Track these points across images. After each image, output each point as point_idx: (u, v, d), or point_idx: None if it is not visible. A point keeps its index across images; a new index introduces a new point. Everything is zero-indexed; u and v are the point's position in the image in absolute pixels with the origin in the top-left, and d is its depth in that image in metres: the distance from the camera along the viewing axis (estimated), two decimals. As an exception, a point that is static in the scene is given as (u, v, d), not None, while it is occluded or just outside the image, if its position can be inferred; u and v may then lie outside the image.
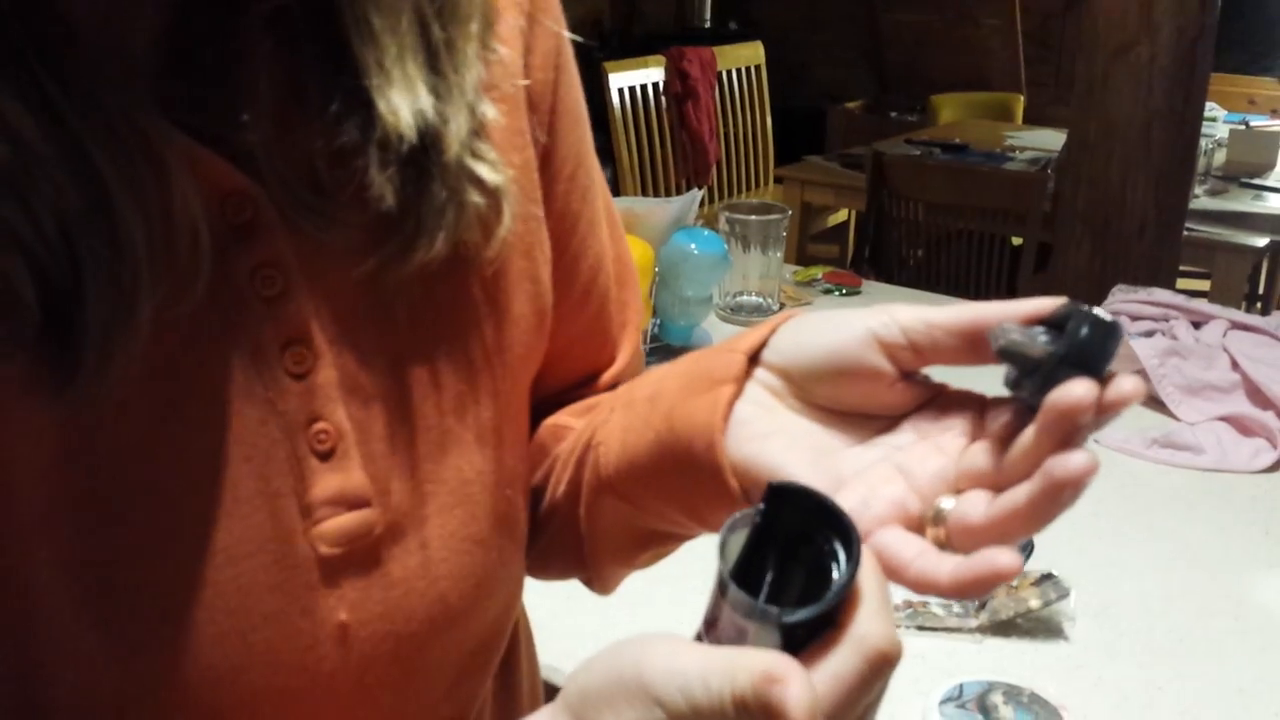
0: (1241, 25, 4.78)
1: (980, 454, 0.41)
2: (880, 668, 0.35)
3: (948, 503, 0.40)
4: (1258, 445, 1.28)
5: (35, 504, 0.41)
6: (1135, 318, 1.53)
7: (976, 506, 0.39)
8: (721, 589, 0.35)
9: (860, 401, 0.44)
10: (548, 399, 0.61)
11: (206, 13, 0.44)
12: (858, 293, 1.73)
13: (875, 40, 5.51)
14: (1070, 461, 0.36)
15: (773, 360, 0.46)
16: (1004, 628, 0.95)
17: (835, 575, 0.35)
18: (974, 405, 0.43)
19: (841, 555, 0.35)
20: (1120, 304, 1.56)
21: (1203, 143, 3.05)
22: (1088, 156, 2.37)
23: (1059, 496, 0.37)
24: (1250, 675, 0.92)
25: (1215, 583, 1.05)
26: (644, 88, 3.72)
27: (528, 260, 0.54)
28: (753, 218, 1.55)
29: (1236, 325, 1.49)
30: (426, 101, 0.46)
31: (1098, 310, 0.38)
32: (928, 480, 0.41)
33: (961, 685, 0.87)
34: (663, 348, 1.44)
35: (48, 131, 0.38)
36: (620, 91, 3.62)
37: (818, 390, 0.44)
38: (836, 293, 1.72)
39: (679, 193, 3.85)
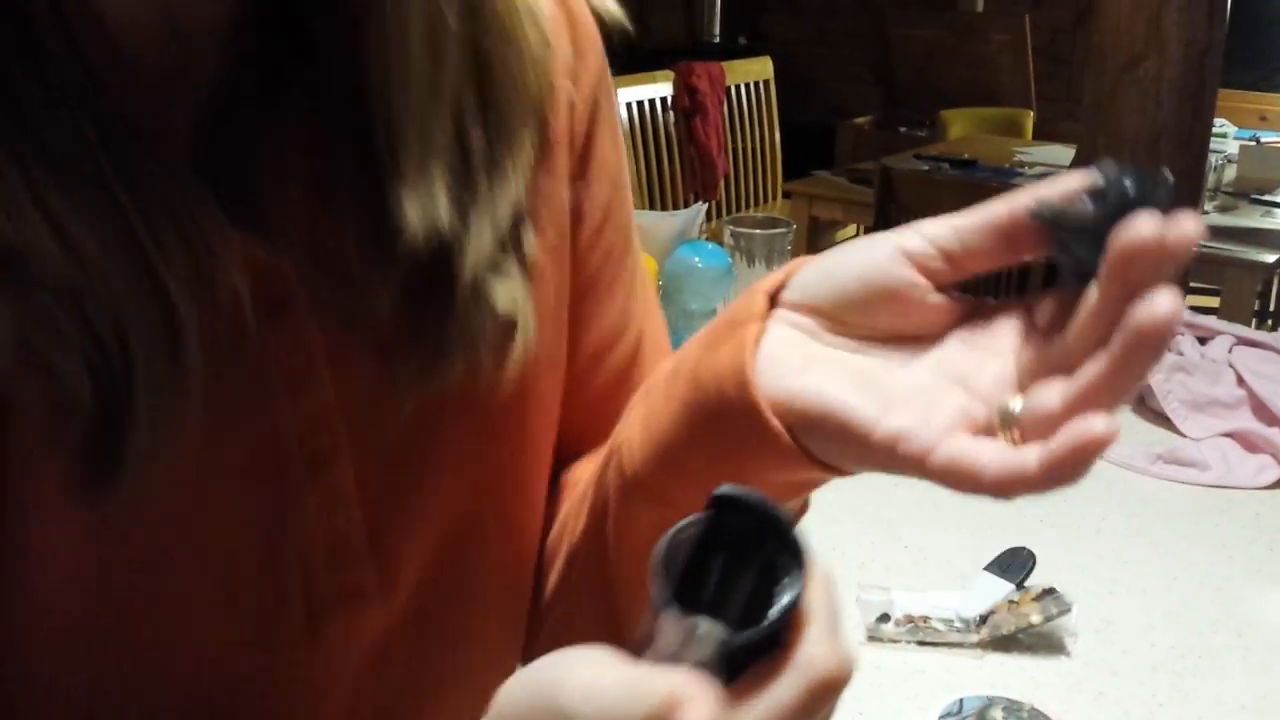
0: (1253, 41, 4.78)
1: (1039, 345, 0.38)
2: (824, 694, 0.34)
3: (1016, 403, 0.37)
4: (1262, 462, 1.28)
5: (49, 586, 0.42)
6: (1141, 333, 1.52)
7: (1050, 392, 0.36)
8: (661, 604, 0.33)
9: (899, 323, 0.41)
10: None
11: (248, 97, 0.44)
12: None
13: (885, 55, 5.51)
14: (1157, 304, 0.33)
15: (796, 298, 0.42)
16: (1005, 643, 0.95)
17: (782, 592, 0.33)
18: (1019, 309, 0.40)
19: (792, 571, 0.34)
20: (1126, 319, 1.55)
21: (1213, 158, 3.05)
22: (1095, 172, 2.37)
23: (1146, 349, 0.33)
24: (1253, 692, 0.92)
25: (1218, 599, 1.05)
26: (652, 102, 3.73)
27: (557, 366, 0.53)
28: (757, 232, 1.55)
29: (1243, 341, 1.49)
30: (445, 213, 0.45)
31: (1137, 167, 0.36)
32: (989, 385, 0.38)
33: (961, 700, 0.87)
34: (666, 361, 1.44)
35: (106, 225, 0.38)
36: (628, 106, 3.63)
37: (852, 318, 0.41)
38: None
39: (687, 207, 3.86)
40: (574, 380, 0.56)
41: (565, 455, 0.58)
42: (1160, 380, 1.37)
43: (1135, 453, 1.29)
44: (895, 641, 0.94)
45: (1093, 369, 0.34)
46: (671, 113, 3.82)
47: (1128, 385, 0.34)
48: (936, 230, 0.40)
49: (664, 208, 3.79)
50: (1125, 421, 1.39)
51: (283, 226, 0.44)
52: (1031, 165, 3.50)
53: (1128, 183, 0.34)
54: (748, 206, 4.11)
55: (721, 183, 3.99)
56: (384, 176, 0.44)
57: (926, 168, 3.47)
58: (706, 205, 1.57)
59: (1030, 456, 0.34)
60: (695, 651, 0.33)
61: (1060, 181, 0.37)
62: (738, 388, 0.41)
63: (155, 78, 0.42)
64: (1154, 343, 0.33)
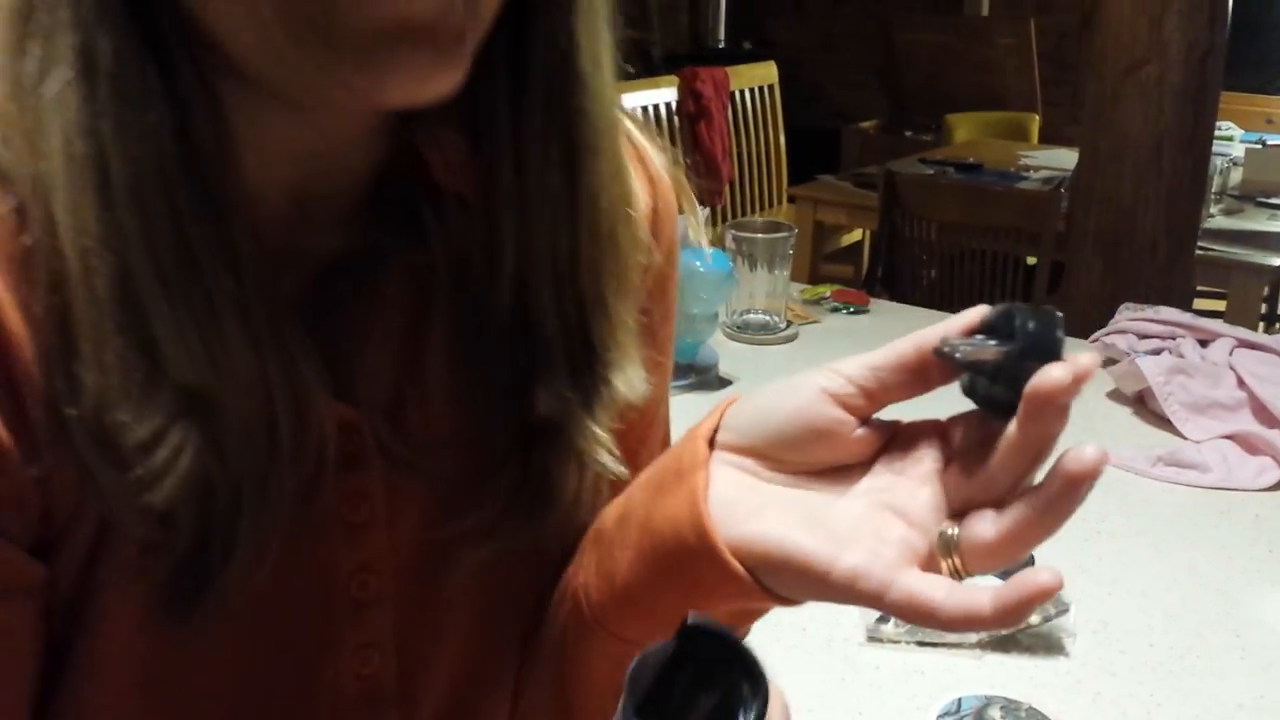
0: (1259, 45, 4.78)
1: (962, 470, 0.41)
2: None
3: (952, 529, 0.41)
4: (1263, 464, 1.28)
5: (104, 688, 0.45)
6: (1142, 336, 1.52)
7: (985, 525, 0.40)
8: (624, 716, 0.35)
9: (830, 457, 0.44)
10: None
11: (359, 291, 0.48)
12: (865, 311, 1.73)
13: (890, 60, 5.52)
14: (1085, 455, 0.37)
15: (733, 440, 0.45)
16: (1004, 643, 0.95)
17: (743, 714, 0.36)
18: (933, 430, 0.44)
19: (752, 697, 0.36)
20: (1126, 322, 1.56)
21: (1219, 161, 3.05)
22: (1099, 176, 2.38)
23: (1076, 492, 0.37)
24: (1251, 693, 0.92)
25: (1217, 600, 1.05)
26: (656, 108, 3.74)
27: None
28: (759, 236, 1.56)
29: (1243, 344, 1.49)
30: (561, 390, 0.49)
31: (1027, 306, 0.39)
32: (924, 513, 0.42)
33: (960, 700, 0.87)
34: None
35: (259, 363, 0.42)
36: (633, 110, 3.63)
37: (786, 455, 0.45)
38: (844, 311, 1.73)
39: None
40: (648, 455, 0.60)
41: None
42: (1161, 382, 1.38)
43: (1136, 455, 1.29)
44: (895, 642, 0.95)
45: (1024, 509, 0.39)
46: (676, 118, 3.84)
47: (1059, 521, 0.38)
48: (854, 371, 0.43)
49: (669, 213, 3.80)
50: (1126, 423, 1.40)
51: (369, 388, 0.48)
52: (1036, 169, 3.51)
53: (1031, 324, 0.38)
54: (753, 211, 4.12)
55: (727, 187, 4.00)
56: (480, 354, 0.49)
57: (931, 172, 3.48)
58: (709, 210, 1.57)
59: (983, 601, 0.38)
60: None
61: (957, 321, 0.41)
62: (697, 536, 0.44)
63: (280, 250, 0.46)
64: (1082, 488, 0.37)
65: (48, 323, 0.40)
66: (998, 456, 0.39)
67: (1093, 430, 1.37)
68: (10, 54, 0.40)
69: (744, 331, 1.61)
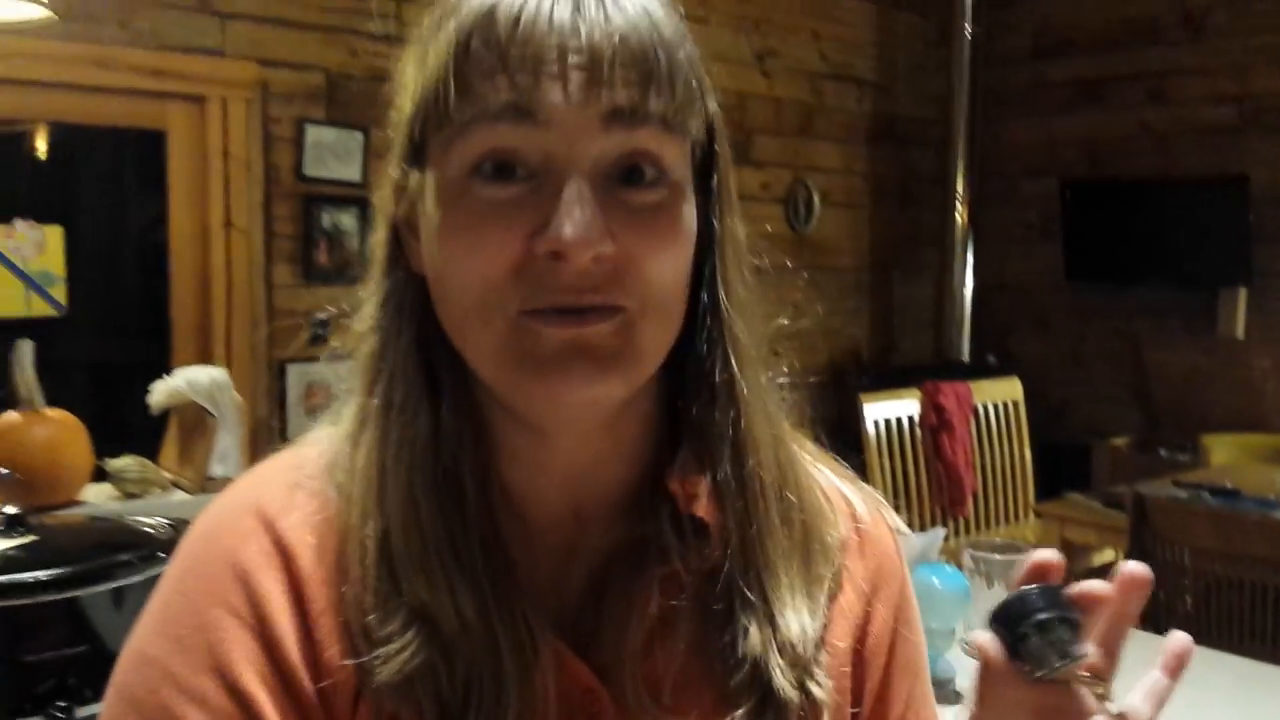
0: None
1: None
2: None
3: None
4: None
5: None
6: None
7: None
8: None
9: None
10: None
11: (625, 573, 0.65)
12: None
13: (1141, 379, 5.48)
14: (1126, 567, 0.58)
15: None
16: None
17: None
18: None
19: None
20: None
21: None
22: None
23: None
24: None
25: None
26: (899, 419, 3.85)
27: None
28: (996, 556, 1.61)
29: None
30: (805, 627, 0.65)
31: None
32: None
33: None
34: (905, 677, 1.49)
35: (484, 625, 0.59)
36: (875, 422, 3.76)
37: None
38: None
39: (934, 521, 3.89)
40: None
41: None
42: None
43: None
44: None
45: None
46: (919, 429, 3.93)
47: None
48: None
49: (911, 522, 3.83)
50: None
51: (618, 660, 0.63)
52: (1300, 497, 3.37)
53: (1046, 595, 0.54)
54: (997, 524, 4.09)
55: (970, 499, 4.01)
56: (734, 617, 0.64)
57: (1185, 495, 3.39)
58: (946, 530, 1.65)
59: None
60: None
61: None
62: None
63: (553, 546, 0.65)
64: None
65: (337, 587, 0.62)
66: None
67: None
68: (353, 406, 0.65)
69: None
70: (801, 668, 0.65)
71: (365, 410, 0.65)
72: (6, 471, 1.48)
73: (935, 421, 3.99)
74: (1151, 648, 1.68)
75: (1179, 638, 0.63)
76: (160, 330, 3.82)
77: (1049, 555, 0.59)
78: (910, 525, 3.74)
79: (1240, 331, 5.18)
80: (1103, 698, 0.57)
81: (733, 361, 0.66)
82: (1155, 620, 2.91)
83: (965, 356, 5.88)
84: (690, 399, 0.67)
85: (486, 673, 0.59)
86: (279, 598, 0.62)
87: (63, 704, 1.21)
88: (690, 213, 0.64)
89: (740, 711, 0.64)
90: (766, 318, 0.69)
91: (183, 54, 3.62)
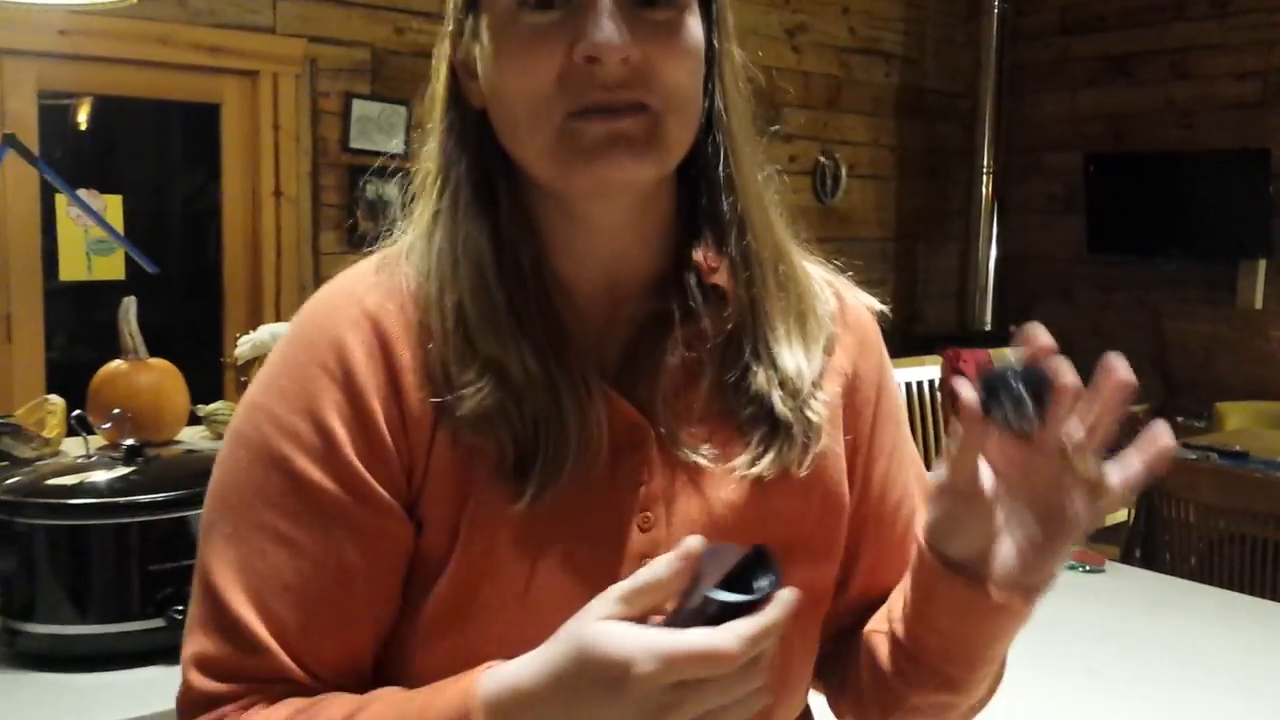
0: None
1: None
2: (711, 657, 0.60)
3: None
4: None
5: (492, 560, 0.77)
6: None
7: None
8: (695, 582, 0.63)
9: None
10: (874, 601, 0.89)
11: (654, 335, 0.82)
12: (1101, 571, 1.89)
13: (1161, 348, 5.60)
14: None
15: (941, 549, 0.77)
16: None
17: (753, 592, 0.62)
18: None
19: (768, 589, 0.62)
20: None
21: None
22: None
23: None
24: None
25: None
26: (919, 384, 4.00)
27: (828, 478, 0.85)
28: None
29: None
30: (802, 366, 0.82)
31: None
32: None
33: None
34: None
35: (545, 377, 0.77)
36: (899, 384, 3.91)
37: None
38: (1080, 570, 1.89)
39: (953, 484, 4.05)
40: (882, 524, 0.89)
41: (874, 590, 0.89)
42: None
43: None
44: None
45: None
46: (939, 394, 4.08)
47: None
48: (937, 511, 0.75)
49: (929, 483, 3.99)
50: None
51: (652, 399, 0.80)
52: (1307, 460, 3.49)
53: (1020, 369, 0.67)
54: (1013, 487, 4.23)
55: (987, 462, 4.16)
56: (748, 363, 0.81)
57: (1194, 456, 3.53)
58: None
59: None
60: (702, 604, 0.61)
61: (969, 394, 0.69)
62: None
63: (592, 313, 0.82)
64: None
65: (422, 343, 0.77)
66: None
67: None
68: (423, 212, 0.82)
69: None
70: (799, 398, 0.81)
71: (436, 210, 0.80)
72: (119, 411, 1.67)
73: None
74: (1160, 585, 1.82)
75: (1161, 433, 0.69)
76: (214, 293, 4.02)
77: (1044, 341, 0.70)
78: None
79: (1259, 302, 5.29)
80: (1079, 467, 0.67)
81: (731, 157, 0.82)
82: (1161, 573, 3.06)
83: (988, 326, 6.01)
84: (702, 191, 0.83)
85: (550, 412, 0.75)
86: (363, 357, 0.77)
87: (179, 608, 1.40)
88: (697, 27, 0.78)
89: (754, 437, 0.80)
90: (759, 124, 0.86)
91: (237, 31, 3.79)
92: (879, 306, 0.93)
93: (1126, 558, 3.35)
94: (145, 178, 4.49)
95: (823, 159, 5.65)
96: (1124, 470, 0.68)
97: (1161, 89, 5.52)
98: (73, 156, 4.03)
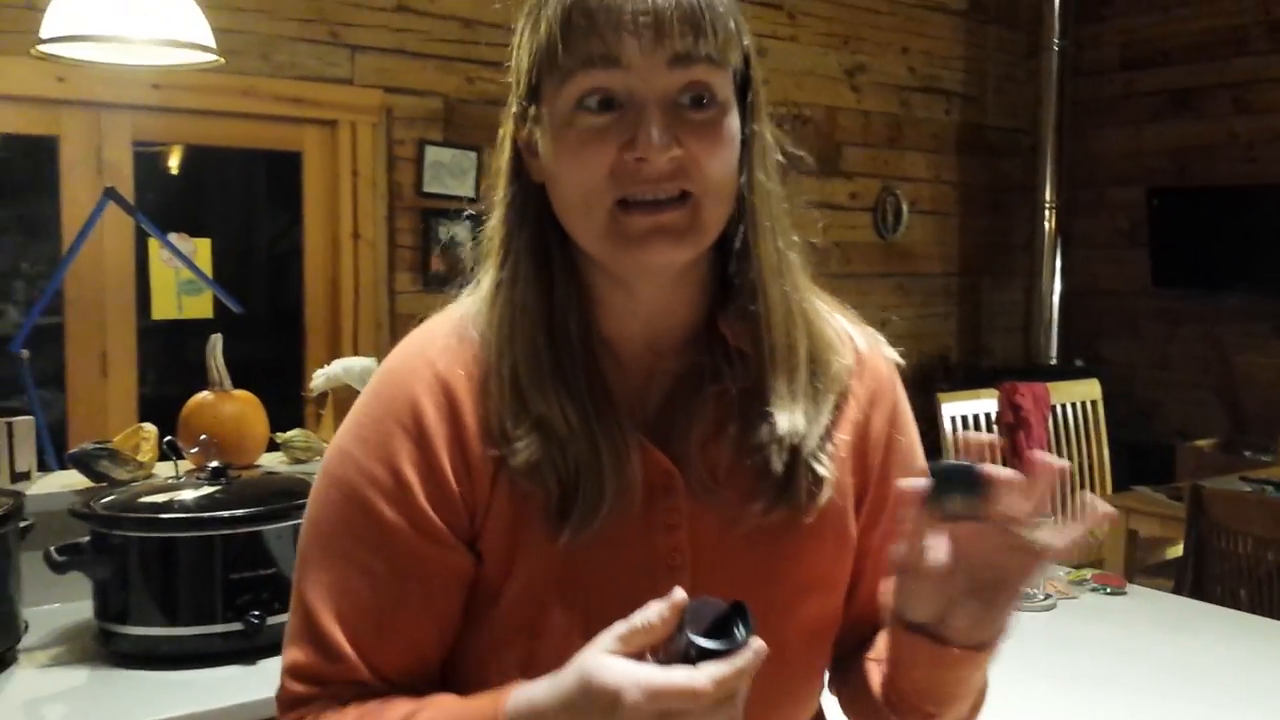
0: None
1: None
2: (689, 693, 0.71)
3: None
4: None
5: (534, 593, 0.89)
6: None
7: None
8: (680, 628, 0.74)
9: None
10: (873, 626, 0.97)
11: (688, 389, 0.93)
12: (1123, 593, 1.96)
13: (1228, 381, 5.56)
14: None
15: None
16: None
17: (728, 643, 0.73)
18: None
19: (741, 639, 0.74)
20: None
21: None
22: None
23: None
24: None
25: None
26: (975, 417, 4.06)
27: (837, 521, 0.96)
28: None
29: None
30: (799, 428, 0.92)
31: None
32: None
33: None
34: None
35: (585, 429, 0.88)
36: (952, 419, 3.98)
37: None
38: (1102, 592, 1.97)
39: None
40: (880, 561, 0.95)
41: (872, 617, 0.96)
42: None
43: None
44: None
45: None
46: (995, 426, 4.13)
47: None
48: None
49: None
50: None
51: (685, 449, 0.91)
52: (1364, 492, 3.48)
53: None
54: (1075, 520, 4.25)
55: (1045, 494, 4.18)
56: (764, 419, 0.91)
57: (1248, 489, 3.54)
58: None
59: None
60: (684, 648, 0.73)
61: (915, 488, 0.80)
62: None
63: (634, 368, 0.94)
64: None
65: (484, 403, 0.89)
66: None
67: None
68: (486, 278, 0.94)
69: (1007, 601, 1.89)
70: (799, 455, 0.89)
71: (497, 281, 0.92)
72: (205, 437, 1.84)
73: (1012, 419, 4.18)
74: (1175, 605, 1.88)
75: (1099, 507, 0.79)
76: (295, 330, 4.24)
77: (978, 436, 0.81)
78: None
79: (1325, 335, 5.24)
80: (1023, 539, 0.77)
81: (751, 232, 0.91)
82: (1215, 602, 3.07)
83: (1054, 360, 6.01)
84: (729, 259, 0.92)
85: (590, 461, 0.86)
86: (434, 416, 0.89)
87: (256, 613, 1.55)
88: (734, 122, 0.88)
89: (767, 487, 0.90)
90: (788, 200, 0.94)
91: (317, 83, 4.02)
92: (898, 360, 1.03)
93: (1178, 590, 3.37)
94: (232, 222, 4.75)
95: (884, 195, 5.74)
96: (1068, 534, 0.78)
97: (1224, 122, 5.53)
98: (164, 202, 4.28)
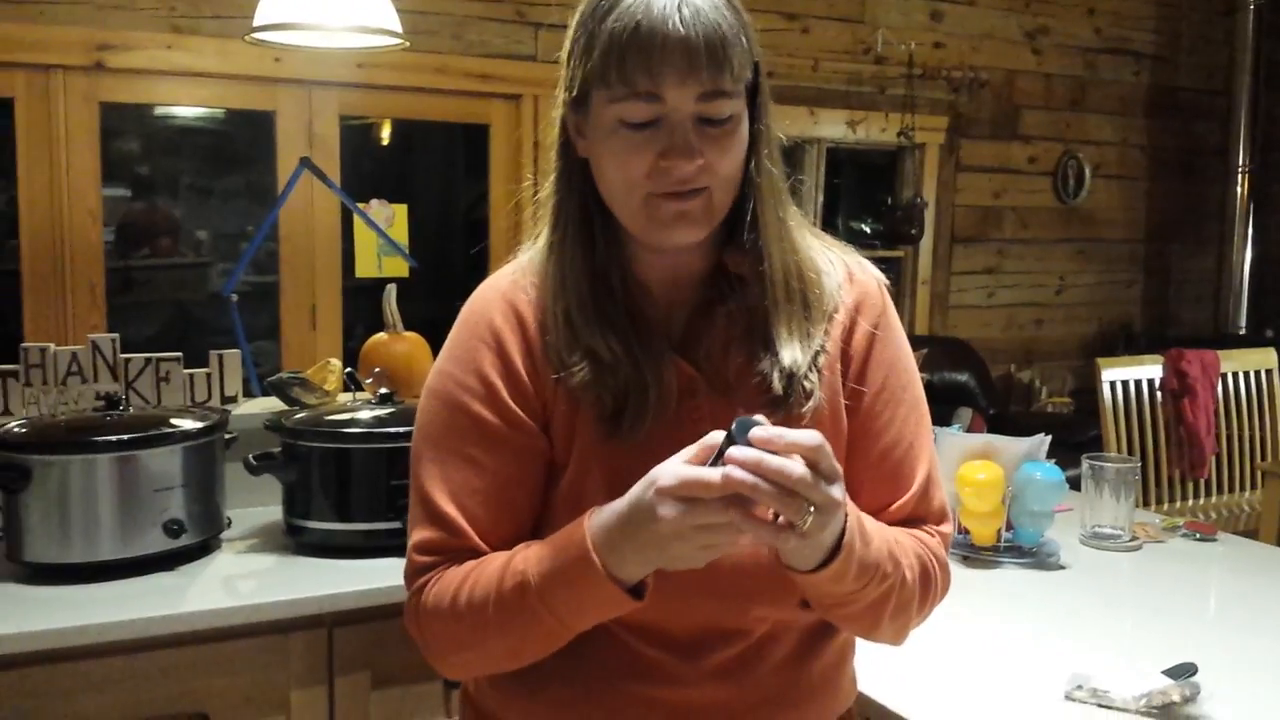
0: None
1: None
2: (702, 482, 0.92)
3: None
4: None
5: (588, 493, 1.11)
6: None
7: None
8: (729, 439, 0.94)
9: None
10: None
11: (705, 314, 1.16)
12: (1213, 540, 2.05)
13: None
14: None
15: None
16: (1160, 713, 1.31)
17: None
18: None
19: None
20: None
21: None
22: None
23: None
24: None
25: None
26: (1138, 383, 4.04)
27: (832, 416, 1.16)
28: (1107, 465, 1.98)
29: None
30: (793, 351, 1.13)
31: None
32: None
33: None
34: (1015, 546, 1.92)
35: (629, 356, 1.11)
36: (1112, 385, 3.97)
37: None
38: (1192, 538, 2.06)
39: (1171, 484, 4.07)
40: (873, 460, 1.16)
41: (867, 502, 1.14)
42: None
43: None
44: (1085, 703, 1.35)
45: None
46: (1159, 394, 4.10)
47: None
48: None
49: (1147, 483, 4.01)
50: None
51: (707, 360, 1.14)
52: None
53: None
54: (1236, 489, 4.19)
55: (1211, 461, 4.14)
56: (769, 337, 1.13)
57: None
58: (1049, 436, 2.01)
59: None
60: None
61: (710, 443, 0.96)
62: None
63: (663, 300, 1.17)
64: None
65: (542, 339, 1.12)
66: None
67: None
68: (541, 236, 1.16)
69: (1093, 539, 2.02)
70: (795, 379, 1.10)
71: (551, 240, 1.14)
72: (379, 370, 2.16)
73: (1177, 386, 4.14)
74: (1263, 552, 1.95)
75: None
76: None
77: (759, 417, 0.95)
78: (1146, 486, 3.95)
79: None
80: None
81: (758, 205, 1.12)
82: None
83: (1243, 329, 5.83)
84: (738, 227, 1.13)
85: (635, 379, 1.08)
86: (508, 330, 1.12)
87: (411, 513, 1.85)
88: (745, 128, 1.08)
89: (767, 395, 1.10)
90: (783, 176, 1.15)
91: (503, 59, 4.34)
92: (884, 279, 1.24)
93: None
94: (429, 189, 5.14)
95: (1065, 159, 5.68)
96: (765, 533, 0.95)
97: None
98: (367, 170, 4.70)
